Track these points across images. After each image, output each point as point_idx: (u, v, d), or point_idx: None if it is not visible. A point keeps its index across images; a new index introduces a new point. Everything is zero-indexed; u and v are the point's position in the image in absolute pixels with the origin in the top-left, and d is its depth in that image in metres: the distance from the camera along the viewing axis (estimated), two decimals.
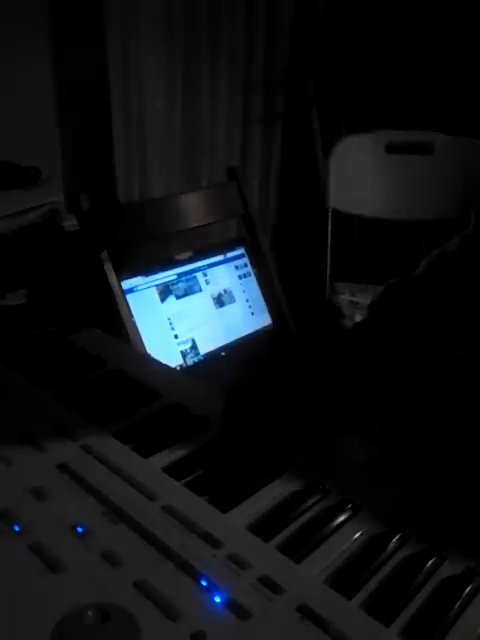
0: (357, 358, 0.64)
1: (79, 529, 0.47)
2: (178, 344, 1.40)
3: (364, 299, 1.67)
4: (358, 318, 1.61)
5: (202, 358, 1.43)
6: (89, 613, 0.40)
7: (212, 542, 0.46)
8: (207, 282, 1.49)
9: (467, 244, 0.67)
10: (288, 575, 0.44)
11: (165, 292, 1.41)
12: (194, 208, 1.50)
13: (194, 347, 1.42)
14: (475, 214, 0.73)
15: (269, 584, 0.43)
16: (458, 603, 0.42)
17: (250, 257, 1.58)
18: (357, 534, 0.49)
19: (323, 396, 0.61)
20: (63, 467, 0.54)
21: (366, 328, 0.67)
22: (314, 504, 0.52)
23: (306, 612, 0.41)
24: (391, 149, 1.68)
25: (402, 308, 0.65)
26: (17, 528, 0.47)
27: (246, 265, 1.58)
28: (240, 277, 1.56)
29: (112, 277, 1.30)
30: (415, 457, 0.58)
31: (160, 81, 1.83)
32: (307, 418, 0.60)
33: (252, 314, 1.56)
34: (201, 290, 1.48)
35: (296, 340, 1.54)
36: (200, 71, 1.89)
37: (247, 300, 1.56)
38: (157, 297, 1.39)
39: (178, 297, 1.43)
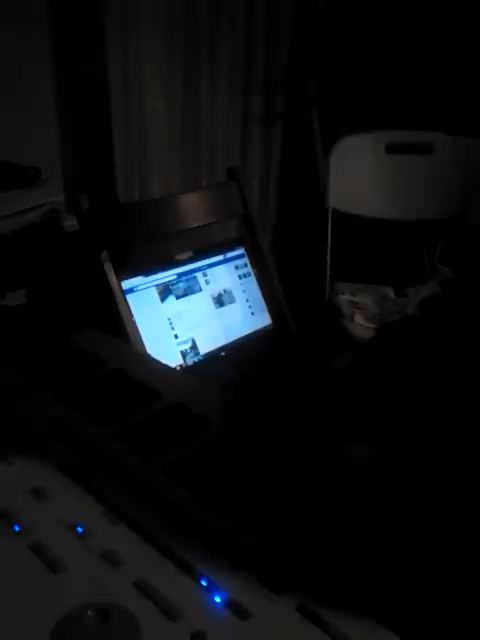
0: (359, 380, 0.65)
1: (79, 529, 0.47)
2: (178, 344, 1.40)
3: (364, 299, 1.67)
4: (358, 318, 1.61)
5: (202, 358, 1.43)
6: (89, 613, 0.40)
7: (212, 542, 0.46)
8: (207, 282, 1.49)
9: (450, 290, 0.70)
10: (288, 575, 0.44)
11: (165, 292, 1.41)
12: (194, 208, 1.50)
13: (194, 347, 1.42)
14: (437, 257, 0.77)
15: (269, 584, 0.43)
16: None
17: (250, 257, 1.59)
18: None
19: (324, 411, 0.62)
20: (63, 467, 0.54)
21: (368, 356, 0.69)
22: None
23: (306, 612, 0.41)
24: (391, 149, 1.68)
25: (400, 342, 0.68)
26: (17, 528, 0.47)
27: (246, 265, 1.58)
28: (240, 277, 1.56)
29: (112, 277, 1.30)
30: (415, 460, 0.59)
31: (160, 81, 1.83)
32: (305, 429, 0.61)
33: (252, 314, 1.56)
34: (201, 290, 1.48)
35: (297, 343, 1.54)
36: (200, 71, 1.89)
37: (247, 300, 1.56)
38: (157, 297, 1.40)
39: (178, 297, 1.43)
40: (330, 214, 1.69)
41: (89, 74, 1.70)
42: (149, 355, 1.25)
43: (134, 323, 1.32)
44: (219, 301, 1.51)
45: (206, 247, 1.54)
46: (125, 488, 0.52)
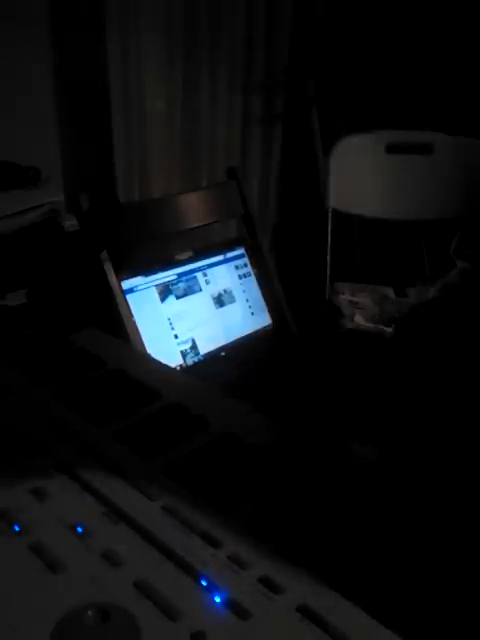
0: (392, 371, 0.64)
1: (79, 529, 0.47)
2: (178, 344, 1.40)
3: (364, 299, 1.67)
4: (358, 318, 1.61)
5: (202, 358, 1.43)
6: (89, 613, 0.40)
7: (212, 542, 0.46)
8: (207, 282, 1.49)
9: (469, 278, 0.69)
10: (288, 575, 0.44)
11: (165, 292, 1.41)
12: (194, 208, 1.50)
13: (194, 347, 1.42)
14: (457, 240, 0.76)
15: (269, 584, 0.43)
16: None
17: (250, 257, 1.58)
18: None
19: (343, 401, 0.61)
20: (63, 467, 0.54)
21: (395, 345, 0.69)
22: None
23: (306, 612, 0.41)
24: (391, 149, 1.68)
25: (428, 327, 0.67)
26: (17, 528, 0.47)
27: (246, 265, 1.58)
28: (240, 277, 1.56)
29: (112, 277, 1.30)
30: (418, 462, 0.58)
31: (160, 81, 1.83)
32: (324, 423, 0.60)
33: (252, 314, 1.56)
34: (201, 290, 1.48)
35: (297, 343, 1.53)
36: (200, 71, 1.89)
37: (247, 300, 1.56)
38: (157, 297, 1.40)
39: (178, 297, 1.43)
40: (330, 214, 1.69)
41: (89, 74, 1.70)
42: (149, 355, 1.25)
43: (134, 323, 1.32)
44: (219, 301, 1.51)
45: (206, 247, 1.54)
46: (125, 488, 0.52)
